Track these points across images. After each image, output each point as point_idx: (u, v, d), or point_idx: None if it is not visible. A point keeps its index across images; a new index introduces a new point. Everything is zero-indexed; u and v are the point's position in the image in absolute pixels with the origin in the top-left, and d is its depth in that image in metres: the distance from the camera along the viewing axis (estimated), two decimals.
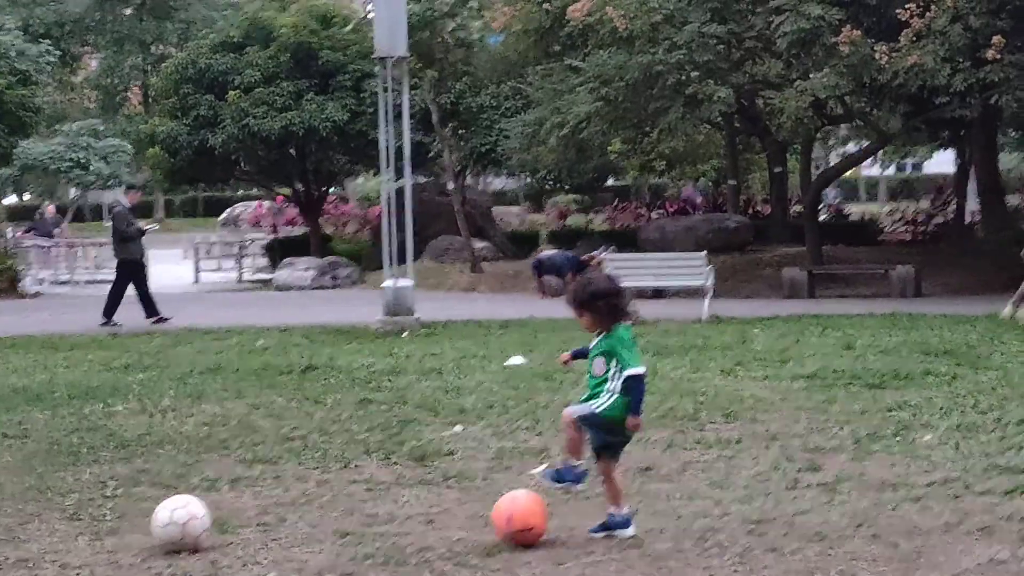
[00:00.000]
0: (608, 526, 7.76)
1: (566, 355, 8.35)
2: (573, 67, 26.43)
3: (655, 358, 15.71)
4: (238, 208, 55.39)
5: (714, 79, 24.29)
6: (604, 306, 7.71)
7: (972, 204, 35.83)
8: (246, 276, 38.75)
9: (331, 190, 43.59)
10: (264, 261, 39.62)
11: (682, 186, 48.11)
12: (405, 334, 19.90)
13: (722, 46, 24.45)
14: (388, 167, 21.96)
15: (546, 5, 27.23)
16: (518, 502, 7.72)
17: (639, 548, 7.43)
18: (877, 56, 23.00)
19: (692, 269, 22.52)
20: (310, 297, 29.76)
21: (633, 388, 7.63)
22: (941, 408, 11.77)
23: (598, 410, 7.70)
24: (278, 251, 37.91)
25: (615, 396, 7.67)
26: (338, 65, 34.83)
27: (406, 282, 21.53)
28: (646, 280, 23.58)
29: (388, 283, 21.52)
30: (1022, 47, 22.63)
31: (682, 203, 40.85)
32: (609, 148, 34.59)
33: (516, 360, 15.55)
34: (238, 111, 34.15)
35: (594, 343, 7.82)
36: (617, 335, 7.69)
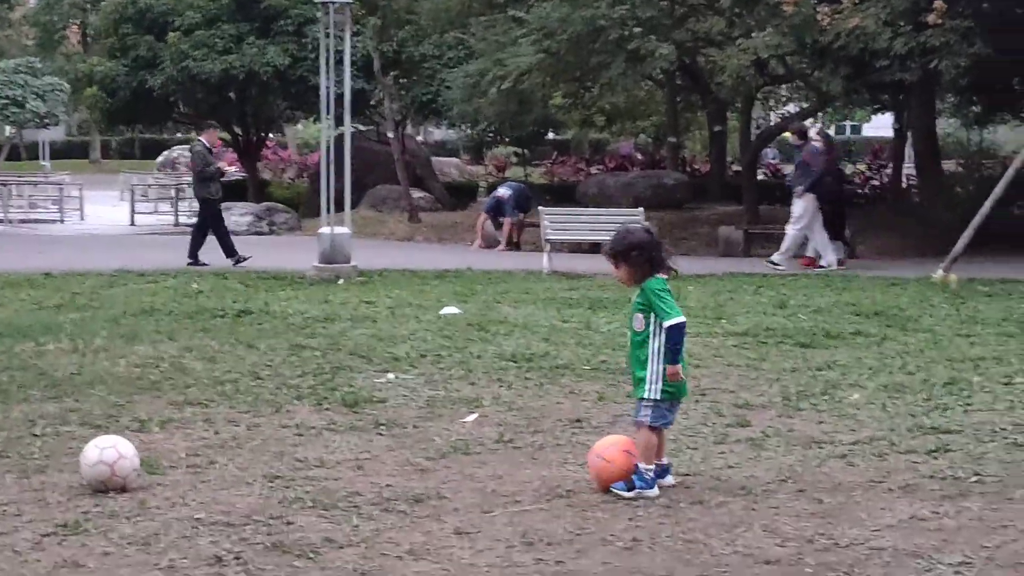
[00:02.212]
0: (633, 484, 7.55)
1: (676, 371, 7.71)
2: (516, 19, 26.36)
3: (589, 312, 15.82)
4: (176, 151, 55.06)
5: (656, 35, 24.28)
6: (641, 257, 7.58)
7: (909, 168, 36.04)
8: (183, 220, 38.47)
9: (270, 136, 43.40)
10: None
11: (621, 142, 48.20)
12: (341, 281, 19.87)
13: (665, 2, 24.49)
14: (328, 114, 21.88)
15: None
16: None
17: (567, 498, 7.47)
18: (819, 17, 23.09)
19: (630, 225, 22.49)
20: (246, 242, 29.36)
21: (672, 337, 7.51)
22: (870, 368, 11.90)
23: (657, 396, 7.57)
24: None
25: (660, 364, 7.53)
26: (280, 9, 34.60)
27: (343, 230, 21.49)
28: (584, 234, 23.62)
29: (325, 230, 21.47)
30: (963, 12, 22.74)
31: (621, 159, 40.88)
32: (550, 102, 34.53)
33: (451, 310, 15.58)
34: (178, 53, 33.90)
35: (633, 299, 7.74)
36: (652, 287, 7.57)
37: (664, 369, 7.55)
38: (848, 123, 75.70)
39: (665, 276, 7.68)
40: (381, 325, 14.37)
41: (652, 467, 7.59)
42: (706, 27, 24.27)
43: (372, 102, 34.21)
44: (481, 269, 21.91)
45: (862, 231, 27.08)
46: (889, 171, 36.24)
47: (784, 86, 36.81)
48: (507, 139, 46.13)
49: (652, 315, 7.60)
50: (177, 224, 37.84)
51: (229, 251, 22.87)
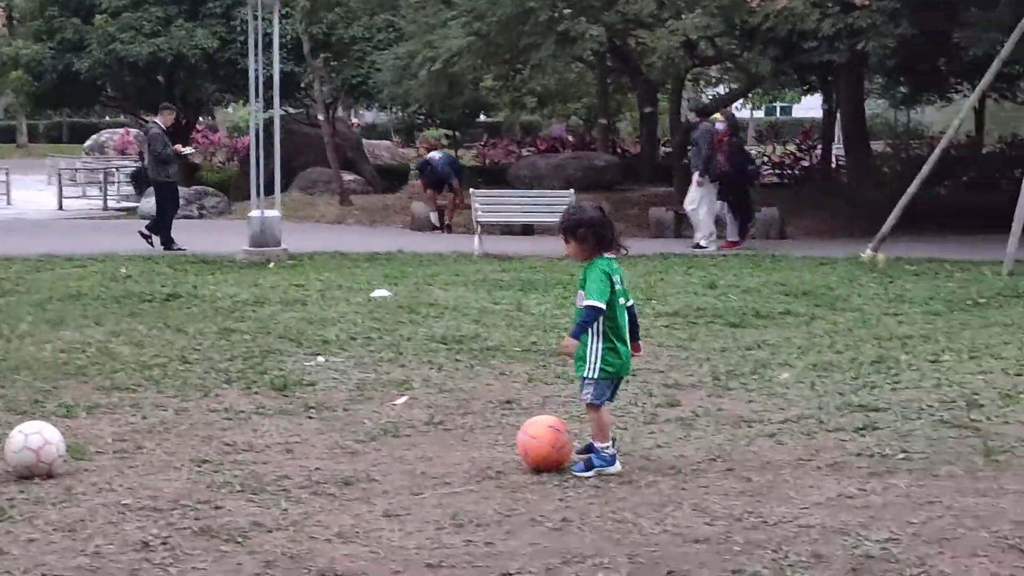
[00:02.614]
0: (592, 463, 7.60)
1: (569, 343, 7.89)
2: (446, 1, 26.28)
3: (520, 293, 15.81)
4: (104, 135, 54.58)
5: (587, 17, 24.30)
6: (589, 234, 7.60)
7: (839, 149, 36.26)
8: (111, 204, 38.19)
9: (200, 119, 43.09)
10: (130, 189, 39.08)
11: (553, 124, 48.21)
12: (271, 265, 19.79)
13: None
14: (257, 97, 21.71)
15: None
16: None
17: (496, 479, 7.46)
18: None
19: (560, 207, 22.44)
20: (176, 226, 29.27)
21: (584, 315, 7.51)
22: (799, 347, 11.96)
23: (594, 375, 7.58)
24: (144, 179, 37.32)
25: (601, 343, 7.56)
26: None
27: (273, 213, 21.37)
28: (515, 216, 23.61)
29: (255, 213, 21.35)
30: None
31: (552, 141, 40.88)
32: (481, 84, 34.49)
33: (381, 292, 15.53)
34: (105, 35, 33.57)
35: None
36: (595, 265, 7.59)
37: (604, 350, 7.57)
38: (778, 104, 76.19)
39: (613, 255, 7.69)
40: (311, 308, 14.30)
41: (608, 444, 7.62)
42: (636, 8, 24.25)
43: (302, 85, 34.02)
44: (412, 252, 21.86)
45: (792, 212, 27.23)
46: (819, 152, 36.45)
47: (714, 67, 36.94)
48: (438, 121, 46.05)
49: None
50: (106, 208, 37.58)
51: (156, 228, 22.87)
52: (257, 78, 21.48)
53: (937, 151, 20.47)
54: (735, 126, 25.07)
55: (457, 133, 45.32)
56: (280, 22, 32.43)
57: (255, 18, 21.60)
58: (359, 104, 43.05)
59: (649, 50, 24.71)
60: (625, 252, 7.81)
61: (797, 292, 15.88)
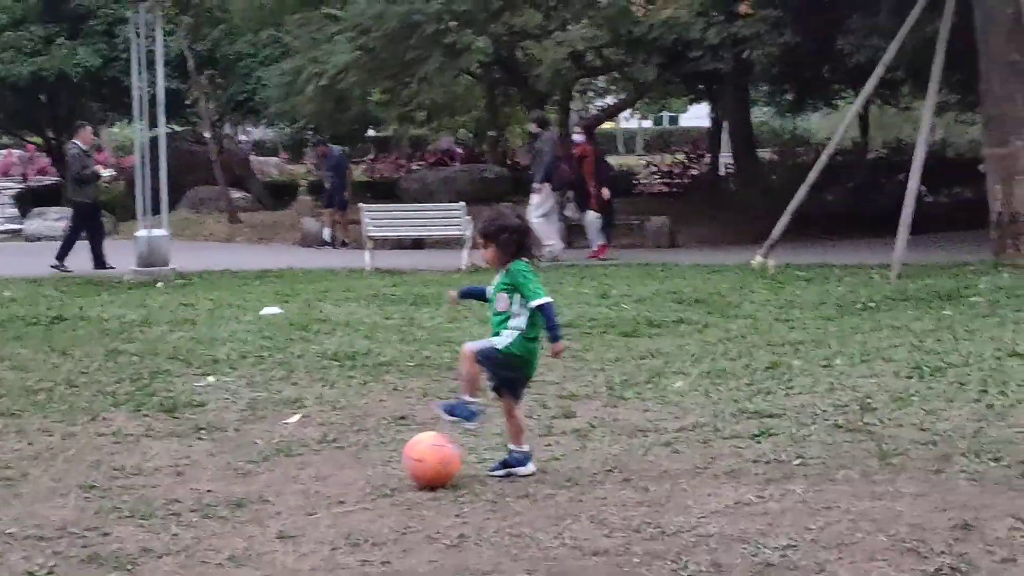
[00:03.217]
0: (508, 463, 7.74)
1: (453, 292, 8.27)
2: (332, 16, 26.12)
3: (412, 308, 15.70)
4: None
5: (472, 29, 24.27)
6: (510, 240, 7.66)
7: (727, 157, 36.57)
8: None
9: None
10: (14, 211, 38.40)
11: (441, 137, 48.02)
12: (160, 284, 19.55)
13: None
14: (141, 115, 21.41)
15: None
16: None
17: (391, 497, 7.35)
18: (634, 8, 23.26)
19: (451, 220, 22.44)
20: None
21: (546, 314, 7.64)
22: (693, 355, 11.96)
23: (500, 346, 7.65)
24: (29, 201, 36.79)
25: (518, 333, 7.63)
26: (90, 8, 33.86)
27: (160, 232, 21.13)
28: (406, 231, 23.47)
29: (142, 233, 21.09)
30: (773, 2, 23.09)
31: (440, 154, 40.82)
32: (370, 98, 34.29)
33: (271, 310, 15.34)
34: None
35: (496, 279, 7.77)
36: (518, 268, 7.65)
37: (522, 336, 7.65)
38: (666, 114, 76.68)
39: (527, 261, 7.76)
40: (200, 327, 14.07)
41: (524, 448, 7.76)
42: (523, 20, 24.26)
43: (187, 102, 33.62)
44: (302, 268, 21.70)
45: (682, 221, 27.39)
46: (708, 161, 36.71)
47: (602, 77, 37.05)
48: (326, 137, 45.78)
49: (516, 295, 7.67)
50: None
51: (99, 262, 22.48)
52: (140, 96, 21.20)
53: (823, 157, 20.66)
54: (593, 138, 25.12)
55: (346, 148, 45.03)
56: (164, 39, 32.18)
57: (137, 35, 21.27)
58: (247, 121, 42.65)
59: (536, 62, 24.70)
60: (539, 260, 7.87)
61: (690, 300, 15.92)
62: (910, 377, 10.49)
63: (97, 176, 22.89)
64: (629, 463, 8.00)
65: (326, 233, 27.69)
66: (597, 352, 12.37)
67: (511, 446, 7.82)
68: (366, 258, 21.84)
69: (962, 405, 9.29)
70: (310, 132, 41.38)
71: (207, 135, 32.15)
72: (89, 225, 22.77)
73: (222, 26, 33.19)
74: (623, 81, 32.57)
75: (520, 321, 7.66)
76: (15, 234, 33.79)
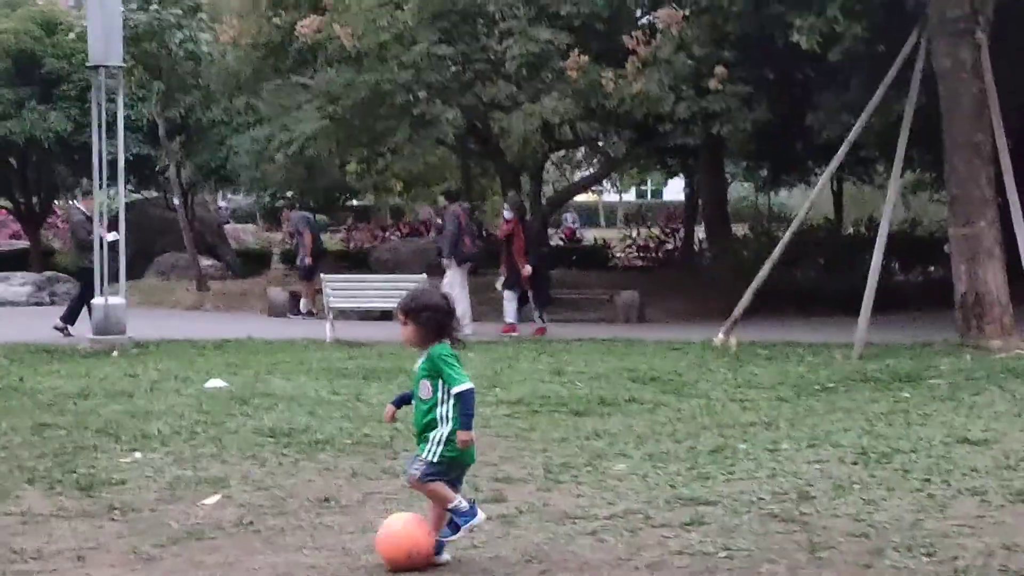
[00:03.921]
0: (458, 525, 7.37)
1: (390, 409, 7.77)
2: (301, 84, 25.93)
3: (362, 382, 15.39)
4: None
5: (443, 100, 24.08)
6: (431, 320, 7.32)
7: (703, 232, 36.39)
8: None
9: (58, 203, 42.21)
10: None
11: (417, 207, 47.97)
12: (115, 353, 19.21)
13: (453, 67, 24.24)
14: (100, 180, 21.11)
15: (276, 20, 26.60)
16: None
17: None
18: (604, 82, 23.05)
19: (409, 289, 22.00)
20: (25, 313, 28.56)
21: (463, 403, 7.23)
22: (638, 436, 11.66)
23: (433, 459, 7.26)
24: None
25: (448, 428, 7.25)
26: (63, 74, 33.65)
27: (117, 300, 20.81)
28: (367, 302, 23.12)
29: (99, 301, 20.77)
30: (744, 78, 22.94)
31: (420, 224, 40.67)
32: (346, 167, 34.12)
33: (216, 383, 14.95)
34: None
35: (418, 364, 7.43)
36: (438, 352, 7.29)
37: (451, 433, 7.26)
38: (649, 188, 76.76)
39: (448, 343, 7.40)
40: (138, 400, 13.71)
41: (457, 500, 7.34)
42: (494, 91, 24.07)
43: (158, 168, 33.39)
44: (263, 338, 21.37)
45: (653, 294, 27.14)
46: (681, 235, 36.53)
47: (580, 149, 36.96)
48: (294, 203, 45.65)
49: (439, 381, 7.31)
50: None
51: (70, 317, 22.56)
52: (100, 161, 20.88)
53: (787, 235, 20.46)
54: (522, 212, 24.89)
55: (324, 217, 44.87)
56: (136, 105, 32.06)
57: (98, 103, 21.00)
58: (219, 188, 42.47)
59: (505, 133, 24.50)
60: (462, 346, 7.50)
61: (645, 378, 15.62)
62: (855, 463, 10.20)
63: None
64: (551, 553, 7.66)
65: (304, 304, 27.27)
66: (543, 431, 12.06)
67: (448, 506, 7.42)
68: (327, 329, 21.52)
69: (903, 495, 9.00)
70: (282, 200, 41.27)
71: (176, 201, 31.87)
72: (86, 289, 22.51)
73: (196, 92, 32.92)
74: (595, 154, 32.39)
75: (447, 408, 7.29)
76: None
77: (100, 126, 20.96)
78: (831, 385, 15.10)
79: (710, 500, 8.96)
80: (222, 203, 57.63)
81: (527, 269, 23.03)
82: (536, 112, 23.58)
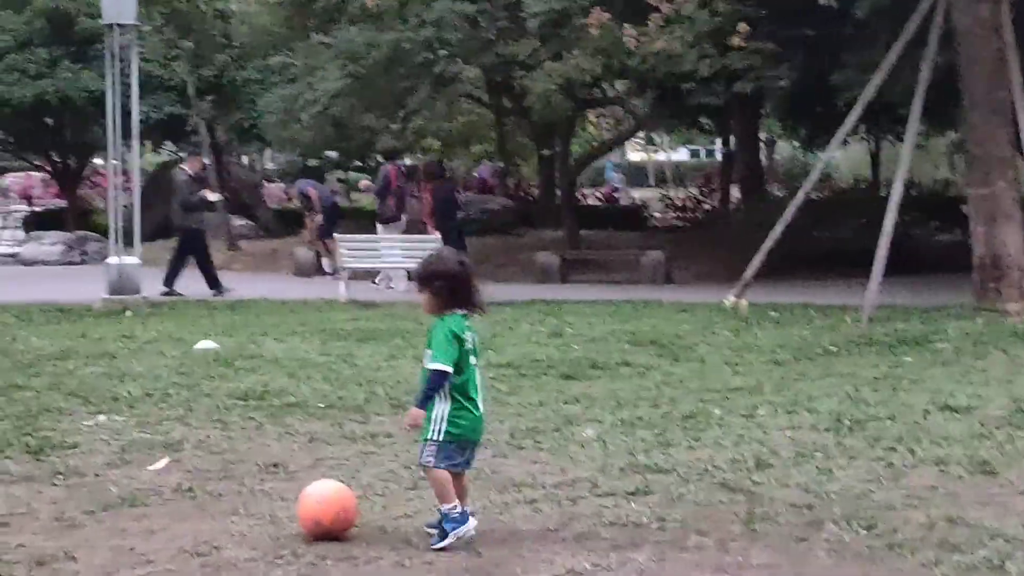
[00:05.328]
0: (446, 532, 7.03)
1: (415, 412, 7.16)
2: (324, 43, 25.77)
3: (356, 344, 15.21)
4: (8, 179, 53.58)
5: (464, 58, 23.84)
6: (444, 288, 7.04)
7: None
8: (0, 249, 37.34)
9: (99, 162, 42.26)
10: (22, 234, 38.23)
11: (482, 165, 47.50)
12: (128, 313, 19.12)
13: (474, 25, 23.97)
14: (114, 138, 21.05)
15: None
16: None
17: (205, 556, 6.82)
18: (626, 40, 22.69)
19: (427, 251, 21.84)
20: (53, 273, 28.63)
21: (430, 380, 6.97)
22: (618, 401, 11.41)
23: (439, 437, 6.99)
24: (33, 224, 36.62)
25: (448, 405, 6.99)
26: (97, 32, 33.51)
27: (132, 259, 20.75)
28: (381, 261, 22.94)
29: (112, 260, 20.74)
30: (767, 33, 22.51)
31: (480, 182, 40.52)
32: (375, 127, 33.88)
33: (206, 344, 14.76)
34: None
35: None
36: (443, 323, 7.01)
37: (453, 410, 7.01)
38: (702, 148, 76.08)
39: (464, 313, 7.11)
40: (119, 362, 13.56)
41: (454, 504, 7.02)
42: (514, 50, 23.79)
43: (188, 128, 33.30)
44: (278, 298, 21.25)
45: (684, 256, 26.88)
46: (719, 195, 36.14)
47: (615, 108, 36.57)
48: (350, 165, 45.45)
49: None
50: None
51: (212, 282, 22.57)
52: (114, 119, 20.82)
53: (800, 194, 20.08)
54: (434, 175, 24.91)
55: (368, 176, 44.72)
56: (168, 64, 31.99)
57: (112, 57, 20.90)
58: (252, 148, 42.39)
59: (528, 91, 24.22)
60: (481, 313, 7.24)
61: (644, 341, 15.35)
62: (828, 430, 9.94)
63: (204, 202, 22.84)
64: (483, 522, 7.43)
65: (327, 263, 27.16)
66: (523, 396, 11.84)
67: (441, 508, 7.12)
68: (341, 289, 21.38)
69: (863, 464, 8.75)
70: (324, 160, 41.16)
71: (206, 161, 31.73)
72: (196, 250, 22.73)
73: (229, 51, 32.84)
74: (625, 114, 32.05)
75: (448, 382, 7.00)
76: (15, 257, 33.54)
77: (114, 84, 20.87)
78: (833, 349, 14.79)
79: (664, 468, 8.73)
80: (270, 164, 57.55)
81: (435, 234, 22.80)
82: (558, 70, 23.28)
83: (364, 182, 29.54)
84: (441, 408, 7.03)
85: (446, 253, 7.51)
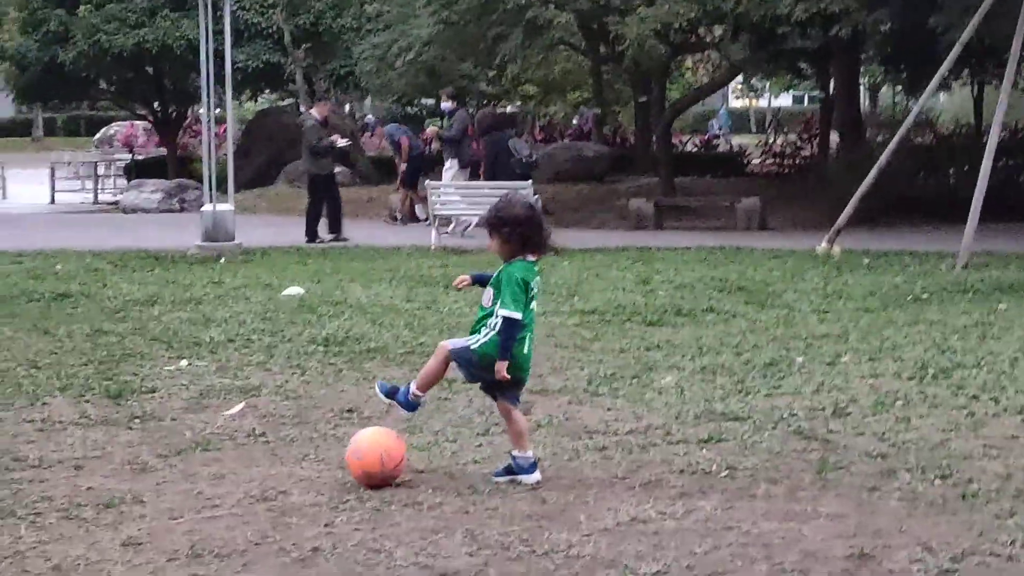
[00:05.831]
0: (512, 470, 7.16)
1: (465, 277, 7.54)
2: None
3: (441, 291, 15.17)
4: (113, 128, 54.25)
5: (557, 4, 23.66)
6: (513, 233, 7.04)
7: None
8: (103, 197, 37.82)
9: (200, 111, 42.60)
10: (124, 182, 38.71)
11: (584, 112, 47.29)
12: (222, 260, 19.25)
13: None
14: (208, 87, 21.15)
15: None
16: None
17: (272, 501, 6.85)
18: None
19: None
20: (153, 220, 28.91)
21: (502, 330, 7.00)
22: (700, 348, 11.29)
23: (474, 346, 7.11)
24: (134, 172, 37.02)
25: (492, 333, 7.05)
26: None
27: (226, 206, 20.87)
28: (472, 209, 22.86)
29: (207, 207, 20.87)
30: None
31: (577, 129, 40.37)
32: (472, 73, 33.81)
33: (293, 290, 14.85)
34: (89, 27, 33.11)
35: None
36: (512, 268, 7.05)
37: (493, 342, 7.08)
38: (807, 94, 75.03)
39: (535, 258, 7.14)
40: (205, 308, 13.64)
41: (529, 452, 7.16)
42: None
43: (285, 76, 33.45)
44: (370, 245, 21.32)
45: (782, 202, 26.57)
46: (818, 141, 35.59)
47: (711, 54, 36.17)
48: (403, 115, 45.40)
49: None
50: (96, 202, 37.17)
51: (335, 227, 22.80)
52: (208, 67, 20.92)
53: (894, 142, 19.72)
54: (486, 128, 24.71)
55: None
56: (266, 12, 32.09)
57: (205, 6, 20.98)
58: (350, 95, 42.42)
59: (621, 37, 23.99)
60: (555, 253, 7.33)
61: (732, 288, 15.18)
62: (911, 379, 9.78)
63: (333, 147, 23.05)
64: (550, 468, 7.41)
65: (419, 209, 27.14)
66: (606, 342, 11.77)
67: (513, 452, 7.21)
68: (432, 236, 21.38)
69: (943, 412, 8.59)
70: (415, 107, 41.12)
71: (303, 109, 31.86)
72: (327, 195, 22.87)
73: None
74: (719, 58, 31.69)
75: (497, 321, 7.06)
76: (116, 205, 33.96)
77: (207, 32, 20.96)
78: (924, 296, 14.56)
79: (740, 416, 8.64)
80: (370, 117, 57.61)
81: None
82: (652, 15, 23.02)
83: (431, 129, 29.45)
84: (490, 331, 7.09)
85: (514, 198, 7.43)
